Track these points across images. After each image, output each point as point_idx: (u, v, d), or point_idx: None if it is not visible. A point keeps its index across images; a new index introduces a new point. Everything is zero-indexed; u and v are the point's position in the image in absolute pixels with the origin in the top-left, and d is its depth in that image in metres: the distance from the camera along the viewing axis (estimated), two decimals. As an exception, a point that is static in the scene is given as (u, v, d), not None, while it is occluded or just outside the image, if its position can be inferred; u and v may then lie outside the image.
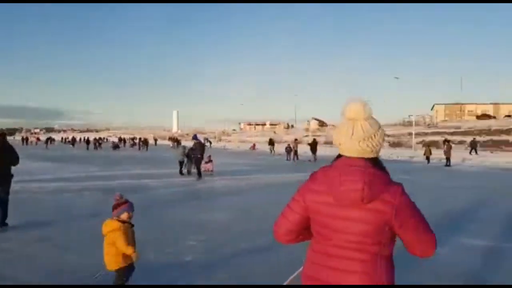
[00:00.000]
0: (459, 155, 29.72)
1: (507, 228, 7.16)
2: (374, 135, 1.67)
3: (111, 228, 3.56)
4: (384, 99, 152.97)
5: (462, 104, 77.29)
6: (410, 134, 46.68)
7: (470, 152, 32.05)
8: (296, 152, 27.83)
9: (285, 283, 2.84)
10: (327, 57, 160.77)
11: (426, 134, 50.94)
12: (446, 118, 77.09)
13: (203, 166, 16.28)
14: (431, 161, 25.05)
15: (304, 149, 32.91)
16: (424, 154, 25.47)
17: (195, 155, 15.01)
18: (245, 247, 5.67)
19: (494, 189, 12.73)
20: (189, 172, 15.25)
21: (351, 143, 1.66)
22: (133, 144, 58.42)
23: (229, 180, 14.65)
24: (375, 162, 1.68)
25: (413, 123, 47.52)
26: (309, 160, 26.47)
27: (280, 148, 38.53)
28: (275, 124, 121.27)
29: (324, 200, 1.65)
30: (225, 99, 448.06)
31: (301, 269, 1.80)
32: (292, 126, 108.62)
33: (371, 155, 1.67)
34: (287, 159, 27.90)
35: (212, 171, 16.90)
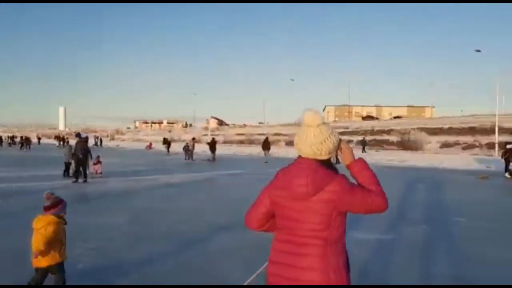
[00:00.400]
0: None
1: (390, 221, 7.25)
2: (325, 140, 1.92)
3: (48, 220, 3.46)
4: (280, 100, 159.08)
5: (350, 106, 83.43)
6: (304, 133, 48.71)
7: (362, 151, 34.46)
8: (191, 152, 26.97)
9: (249, 280, 2.89)
10: (225, 56, 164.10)
11: (319, 133, 53.85)
12: (336, 119, 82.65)
13: (91, 167, 14.77)
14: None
15: (203, 148, 32.23)
16: None
17: (77, 155, 13.40)
18: (141, 251, 5.29)
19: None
20: (75, 174, 13.51)
21: (305, 147, 1.93)
22: (12, 143, 52.06)
23: (120, 182, 13.38)
24: (327, 163, 1.94)
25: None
26: (208, 160, 25.86)
27: (178, 148, 37.28)
28: (173, 123, 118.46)
29: (282, 195, 1.93)
30: (119, 96, 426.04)
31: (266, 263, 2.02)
32: (191, 125, 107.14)
33: (324, 157, 1.93)
34: (185, 159, 26.88)
35: (101, 173, 15.35)
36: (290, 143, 51.02)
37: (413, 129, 41.73)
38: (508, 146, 17.64)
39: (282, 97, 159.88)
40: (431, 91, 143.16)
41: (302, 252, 1.87)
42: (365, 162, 1.98)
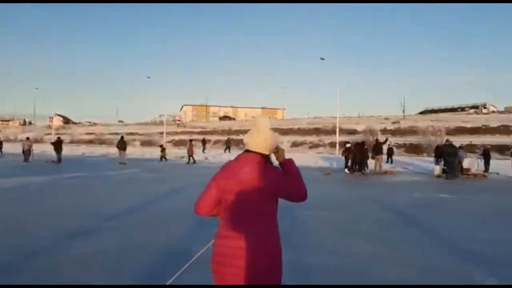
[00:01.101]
0: (210, 153, 31.60)
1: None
2: (268, 140, 2.46)
3: None
4: (136, 98, 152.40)
5: (208, 106, 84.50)
6: (161, 133, 47.41)
7: (224, 150, 34.99)
8: (28, 153, 23.67)
9: (199, 254, 3.09)
10: (71, 51, 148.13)
11: (177, 133, 52.93)
12: (194, 118, 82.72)
13: None
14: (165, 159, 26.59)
15: (43, 149, 28.69)
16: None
17: None
18: None
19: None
20: None
21: (256, 142, 2.45)
22: None
23: None
24: (267, 158, 2.47)
25: (164, 122, 48.49)
26: (52, 161, 23.01)
27: (13, 149, 32.47)
28: (8, 120, 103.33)
29: (229, 183, 2.37)
30: None
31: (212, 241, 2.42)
32: (30, 122, 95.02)
33: (266, 152, 2.47)
34: (24, 161, 23.40)
35: None
36: (146, 143, 49.06)
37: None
38: (347, 145, 19.75)
39: (137, 95, 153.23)
40: (283, 94, 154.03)
41: (241, 224, 2.32)
42: (293, 161, 2.48)
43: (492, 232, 7.10)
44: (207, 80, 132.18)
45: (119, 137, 27.54)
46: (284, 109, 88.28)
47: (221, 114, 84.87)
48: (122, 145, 24.17)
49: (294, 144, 41.08)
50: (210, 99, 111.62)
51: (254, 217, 2.32)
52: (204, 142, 37.37)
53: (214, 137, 48.87)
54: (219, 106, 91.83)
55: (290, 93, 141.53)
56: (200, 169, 20.70)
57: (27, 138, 26.56)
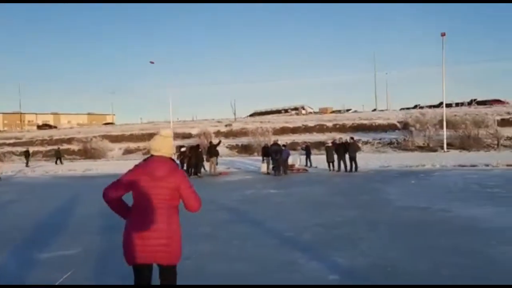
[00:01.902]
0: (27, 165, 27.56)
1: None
2: (171, 147, 3.17)
3: None
4: None
5: (23, 113, 74.25)
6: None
7: (56, 162, 31.03)
8: None
9: None
10: None
11: (-17, 145, 44.98)
12: (6, 128, 71.59)
13: None
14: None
15: None
16: None
17: None
18: None
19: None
20: None
21: (165, 149, 3.13)
22: None
23: None
24: (172, 159, 3.19)
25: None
26: None
27: None
28: None
29: (142, 178, 2.97)
30: None
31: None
32: None
33: (171, 156, 3.19)
34: None
35: None
36: None
37: (95, 136, 41.00)
38: (182, 149, 19.67)
39: None
40: (112, 99, 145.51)
41: (153, 213, 2.94)
42: None
43: (311, 218, 7.93)
44: (19, 85, 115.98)
45: None
46: (114, 114, 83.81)
47: (40, 122, 75.57)
48: None
49: (127, 151, 39.21)
50: (25, 106, 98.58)
51: (161, 208, 2.97)
52: (27, 154, 32.15)
53: (33, 148, 43.12)
54: (36, 114, 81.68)
55: (120, 98, 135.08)
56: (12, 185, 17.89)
57: None
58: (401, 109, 47.53)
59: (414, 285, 4.33)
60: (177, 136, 36.55)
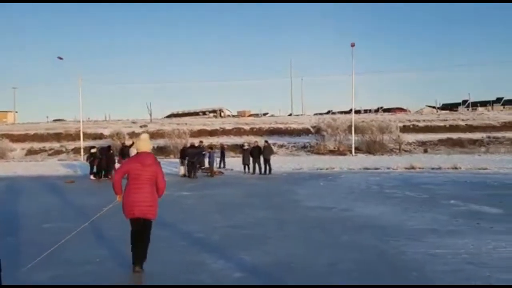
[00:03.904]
0: None
1: None
2: (149, 145, 5.13)
3: None
4: None
5: None
6: None
7: None
8: None
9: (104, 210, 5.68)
10: None
11: None
12: None
13: None
14: None
15: None
16: None
17: None
18: None
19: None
20: None
21: (147, 147, 5.04)
22: None
23: None
24: (152, 153, 5.06)
25: None
26: None
27: None
28: None
29: (137, 165, 4.78)
30: None
31: (116, 200, 4.99)
32: None
33: (150, 151, 5.07)
34: None
35: None
36: None
37: (-6, 135, 37.30)
38: (92, 151, 18.66)
39: None
40: (15, 96, 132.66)
41: (143, 187, 4.80)
42: None
43: (223, 219, 8.06)
44: None
45: None
46: (16, 112, 76.89)
47: None
48: None
49: (31, 152, 36.21)
50: None
51: (147, 183, 4.83)
52: None
53: None
54: None
55: (23, 94, 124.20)
56: None
57: None
58: (315, 114, 49.90)
59: (415, 285, 4.50)
60: (87, 136, 34.69)
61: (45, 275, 4.72)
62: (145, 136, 5.19)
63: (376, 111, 50.77)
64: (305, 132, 36.31)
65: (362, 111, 49.01)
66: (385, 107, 57.09)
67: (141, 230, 4.87)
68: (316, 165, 21.79)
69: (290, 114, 55.45)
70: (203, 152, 19.22)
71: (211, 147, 20.97)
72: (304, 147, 33.17)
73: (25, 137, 39.38)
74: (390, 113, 46.33)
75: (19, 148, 36.66)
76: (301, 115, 52.18)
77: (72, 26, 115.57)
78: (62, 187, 14.74)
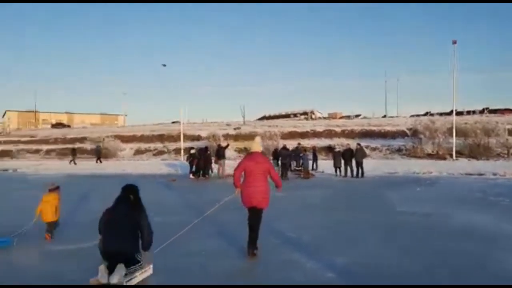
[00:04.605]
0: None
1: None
2: (260, 146, 6.16)
3: (53, 197, 6.87)
4: None
5: (37, 112, 75.53)
6: (-22, 143, 40.58)
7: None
8: None
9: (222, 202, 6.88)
10: None
11: (-1, 142, 45.96)
12: (20, 126, 72.92)
13: None
14: None
15: None
16: None
17: None
18: None
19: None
20: None
21: (259, 147, 6.09)
22: None
23: None
24: (263, 153, 6.23)
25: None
26: None
27: None
28: None
29: (250, 163, 5.78)
30: None
31: (235, 193, 5.96)
32: None
33: (261, 151, 6.12)
34: None
35: None
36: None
37: (107, 136, 41.62)
38: (192, 151, 20.00)
39: None
40: (124, 100, 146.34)
41: (257, 181, 5.70)
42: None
43: (313, 220, 8.24)
44: (35, 84, 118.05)
45: None
46: (126, 115, 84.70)
47: (53, 121, 76.75)
48: None
49: (138, 152, 39.75)
50: (40, 104, 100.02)
51: (260, 178, 5.70)
52: (74, 152, 32.10)
53: (46, 147, 43.94)
54: (50, 113, 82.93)
55: (132, 99, 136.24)
56: (13, 182, 18.39)
57: None
58: (411, 116, 47.45)
59: (416, 285, 4.55)
60: (186, 138, 36.95)
61: (161, 263, 5.31)
62: (258, 139, 6.22)
63: (481, 112, 46.58)
64: (400, 134, 34.73)
65: (465, 112, 45.38)
66: (491, 107, 52.27)
67: (254, 216, 5.75)
68: (412, 169, 20.82)
69: (384, 116, 53.45)
70: (301, 154, 19.56)
71: (305, 149, 21.25)
72: (399, 150, 31.79)
73: (133, 138, 43.30)
74: (497, 114, 42.23)
75: (128, 148, 40.45)
76: (396, 117, 49.99)
77: (175, 37, 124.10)
78: (167, 185, 16.08)
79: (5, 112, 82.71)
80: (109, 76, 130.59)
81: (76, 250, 6.16)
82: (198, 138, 38.58)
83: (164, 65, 36.81)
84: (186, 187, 15.56)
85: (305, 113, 55.41)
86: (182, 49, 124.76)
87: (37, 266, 5.53)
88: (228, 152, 23.25)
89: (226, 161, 19.86)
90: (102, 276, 4.42)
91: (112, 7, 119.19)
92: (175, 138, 40.41)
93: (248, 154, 6.10)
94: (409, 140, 31.96)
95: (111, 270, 4.44)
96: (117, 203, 4.87)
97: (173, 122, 53.75)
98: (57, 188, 7.04)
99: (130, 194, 4.90)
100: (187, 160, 20.51)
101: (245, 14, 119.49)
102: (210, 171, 19.36)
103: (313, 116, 54.09)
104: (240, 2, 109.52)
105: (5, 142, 46.82)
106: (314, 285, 4.66)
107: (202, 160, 19.15)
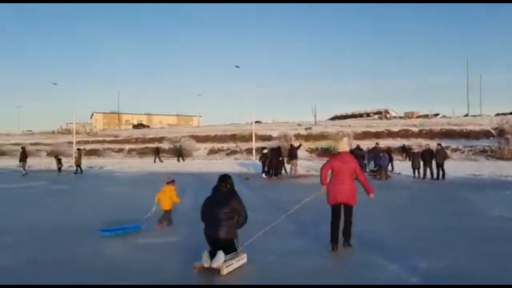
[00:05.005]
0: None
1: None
2: (347, 146, 6.62)
3: (170, 188, 8.00)
4: (39, 105, 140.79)
5: (120, 113, 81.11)
6: (70, 142, 44.49)
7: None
8: None
9: (307, 199, 6.80)
10: None
11: (87, 142, 50.01)
12: (105, 127, 78.84)
13: None
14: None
15: None
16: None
17: None
18: None
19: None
20: None
21: (346, 147, 6.50)
22: None
23: None
24: (349, 153, 6.66)
25: (73, 131, 45.63)
26: None
27: None
28: None
29: (338, 162, 6.04)
30: None
31: (321, 190, 6.18)
32: None
33: (347, 151, 6.53)
34: None
35: None
36: (54, 154, 45.69)
37: (184, 136, 43.52)
38: (264, 151, 20.32)
39: (42, 103, 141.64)
40: (198, 101, 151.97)
41: (345, 179, 5.95)
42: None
43: (393, 222, 7.99)
44: (118, 87, 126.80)
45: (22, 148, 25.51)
46: (200, 116, 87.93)
47: (135, 122, 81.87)
48: (22, 156, 23.10)
49: (211, 151, 41.11)
50: (122, 106, 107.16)
51: (348, 177, 5.95)
52: (157, 151, 34.66)
53: (127, 146, 47.07)
54: (132, 114, 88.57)
55: (205, 99, 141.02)
56: (98, 179, 19.87)
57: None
58: (496, 114, 43.95)
59: (417, 285, 4.50)
60: (258, 138, 37.48)
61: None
62: (345, 139, 6.70)
63: None
64: (484, 134, 32.34)
65: (562, 110, 41.10)
66: None
67: (342, 214, 6.04)
68: (499, 171, 19.34)
69: (466, 115, 50.03)
70: (380, 154, 19.07)
71: (383, 149, 20.65)
72: (483, 151, 29.63)
73: (207, 138, 44.86)
74: None
75: (202, 148, 42.00)
76: (479, 115, 46.59)
77: (249, 36, 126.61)
78: (244, 183, 16.52)
79: (92, 113, 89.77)
80: (185, 78, 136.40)
81: (178, 241, 6.58)
82: (269, 138, 38.96)
83: (238, 67, 37.73)
84: (261, 186, 15.87)
85: (379, 112, 53.58)
86: (254, 50, 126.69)
87: (139, 257, 5.99)
88: (300, 153, 23.23)
89: (298, 161, 19.92)
90: (205, 261, 4.95)
91: (191, 7, 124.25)
92: (246, 138, 41.19)
93: (336, 154, 6.36)
94: (495, 140, 29.70)
95: (213, 256, 4.95)
96: (214, 191, 5.42)
97: (256, 122, 54.81)
98: (173, 181, 8.11)
99: (226, 183, 5.44)
100: (259, 159, 20.86)
101: (323, 14, 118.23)
102: (282, 171, 19.54)
103: (388, 116, 52.10)
104: (320, 2, 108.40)
105: (93, 142, 50.81)
106: (319, 285, 4.63)
107: (274, 159, 19.37)
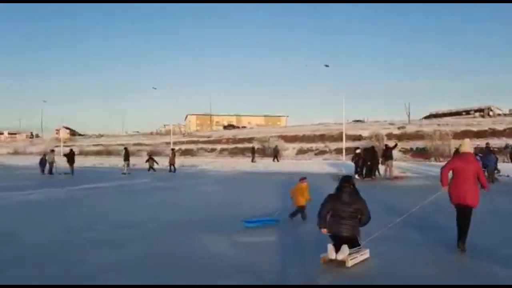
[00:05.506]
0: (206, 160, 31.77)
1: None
2: (470, 147, 6.42)
3: (303, 186, 8.54)
4: (141, 109, 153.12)
5: (212, 115, 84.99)
6: (167, 143, 47.77)
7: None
8: (52, 165, 24.04)
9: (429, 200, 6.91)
10: (76, 63, 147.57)
11: (182, 143, 53.29)
12: (198, 128, 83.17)
13: None
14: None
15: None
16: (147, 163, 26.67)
17: None
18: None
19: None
20: None
21: (469, 148, 6.33)
22: None
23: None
24: (472, 154, 6.41)
25: (171, 132, 48.95)
26: (65, 173, 23.31)
27: (23, 161, 32.82)
28: (15, 133, 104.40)
29: (461, 162, 6.08)
30: None
31: (443, 191, 6.30)
32: (37, 135, 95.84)
33: (471, 152, 6.36)
34: (43, 173, 23.99)
35: None
36: (153, 154, 49.29)
37: (272, 137, 44.35)
38: (357, 151, 19.96)
39: (143, 106, 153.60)
40: (285, 102, 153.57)
41: (467, 180, 5.93)
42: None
43: (506, 231, 7.43)
44: (210, 90, 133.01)
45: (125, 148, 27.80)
46: (287, 116, 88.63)
47: (225, 123, 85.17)
48: (125, 156, 25.03)
49: (300, 151, 41.34)
50: (213, 108, 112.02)
51: (470, 178, 5.92)
52: (253, 151, 36.30)
53: (219, 146, 49.23)
54: (222, 115, 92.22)
55: (292, 99, 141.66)
56: (194, 177, 20.98)
57: (52, 151, 26.37)
58: None
59: (421, 285, 4.55)
60: (347, 138, 36.86)
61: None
62: (467, 141, 6.53)
63: None
64: None
65: None
66: None
67: (463, 214, 5.94)
68: None
69: None
70: (491, 155, 17.65)
71: (493, 150, 19.13)
72: None
73: (295, 138, 45.20)
74: None
75: (290, 148, 42.42)
76: None
77: (335, 37, 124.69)
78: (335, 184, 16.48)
79: (186, 116, 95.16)
80: (272, 80, 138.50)
81: (270, 242, 6.92)
82: (359, 138, 38.13)
83: (327, 66, 37.43)
84: (359, 188, 15.64)
85: (480, 110, 49.52)
86: (342, 49, 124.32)
87: (232, 254, 6.29)
88: (394, 153, 22.46)
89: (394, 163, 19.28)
90: (330, 253, 5.28)
91: (278, 7, 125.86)
92: (335, 138, 40.73)
93: (458, 154, 6.54)
94: None
95: (337, 249, 5.27)
96: (338, 191, 5.73)
97: (357, 121, 54.08)
98: (304, 178, 8.66)
99: (349, 183, 5.75)
100: (352, 160, 20.56)
101: (411, 12, 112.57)
102: (376, 172, 19.07)
103: (491, 113, 47.94)
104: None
105: (187, 142, 53.96)
106: (310, 285, 4.59)
107: (368, 160, 18.97)
